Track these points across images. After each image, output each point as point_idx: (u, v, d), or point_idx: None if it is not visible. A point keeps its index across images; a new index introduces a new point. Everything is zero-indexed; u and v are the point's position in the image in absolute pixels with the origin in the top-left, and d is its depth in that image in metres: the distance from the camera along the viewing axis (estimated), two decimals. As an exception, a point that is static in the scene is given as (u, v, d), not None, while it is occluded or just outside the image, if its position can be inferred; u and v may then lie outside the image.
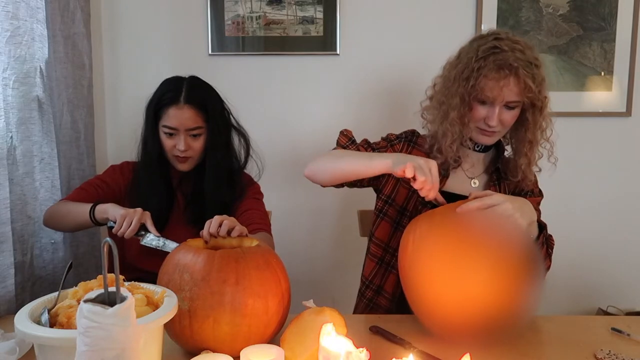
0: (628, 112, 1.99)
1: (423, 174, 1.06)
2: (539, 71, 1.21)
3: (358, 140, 1.41)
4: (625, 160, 2.03)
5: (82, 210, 1.33)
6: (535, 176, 1.37)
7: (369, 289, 1.40)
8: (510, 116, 1.24)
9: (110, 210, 1.28)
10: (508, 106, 1.23)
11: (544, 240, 1.20)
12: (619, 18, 1.93)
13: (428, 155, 1.34)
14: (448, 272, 0.97)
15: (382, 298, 1.38)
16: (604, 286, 2.08)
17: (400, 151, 1.38)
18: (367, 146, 1.40)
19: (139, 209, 1.27)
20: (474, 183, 1.35)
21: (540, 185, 1.41)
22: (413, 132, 1.42)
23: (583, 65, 1.96)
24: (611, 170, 2.04)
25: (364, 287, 1.42)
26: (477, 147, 1.34)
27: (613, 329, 1.10)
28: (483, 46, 1.21)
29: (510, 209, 1.02)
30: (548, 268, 1.25)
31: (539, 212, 1.35)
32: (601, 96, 1.98)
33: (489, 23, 1.93)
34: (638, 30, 1.94)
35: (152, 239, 1.29)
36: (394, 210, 1.37)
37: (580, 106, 1.98)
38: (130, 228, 1.24)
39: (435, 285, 0.99)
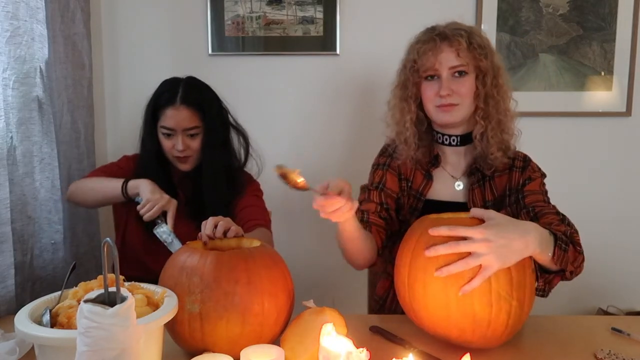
0: (628, 112, 1.98)
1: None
2: (479, 38, 1.22)
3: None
4: (625, 160, 2.03)
5: (112, 184, 1.38)
6: (529, 159, 1.32)
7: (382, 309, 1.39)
8: (462, 84, 1.22)
9: (141, 187, 1.33)
10: (456, 73, 1.22)
11: (566, 247, 1.04)
12: (619, 18, 1.93)
13: (392, 158, 1.34)
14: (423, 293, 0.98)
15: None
16: (604, 286, 2.08)
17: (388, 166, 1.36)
18: (382, 168, 1.36)
19: (167, 197, 1.31)
20: (458, 185, 1.30)
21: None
22: (385, 149, 1.40)
23: (583, 65, 1.96)
24: (611, 170, 2.04)
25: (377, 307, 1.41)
26: (453, 140, 1.28)
27: (613, 329, 1.10)
28: (420, 34, 1.27)
29: (492, 261, 0.91)
30: (582, 262, 1.11)
31: (545, 191, 1.29)
32: (601, 96, 1.98)
33: (489, 23, 1.93)
34: (638, 30, 1.93)
35: (163, 232, 1.31)
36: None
37: (580, 106, 1.98)
38: (150, 213, 1.28)
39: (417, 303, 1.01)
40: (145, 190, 1.31)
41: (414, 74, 1.25)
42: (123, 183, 1.36)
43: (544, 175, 1.32)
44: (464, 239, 0.94)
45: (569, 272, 1.07)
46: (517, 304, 0.95)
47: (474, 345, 0.98)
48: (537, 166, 1.33)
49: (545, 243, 1.00)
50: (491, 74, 1.22)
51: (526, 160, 1.32)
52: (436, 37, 1.21)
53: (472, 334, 0.96)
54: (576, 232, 1.12)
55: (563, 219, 1.16)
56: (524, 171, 1.29)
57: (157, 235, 1.30)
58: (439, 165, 1.31)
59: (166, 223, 1.30)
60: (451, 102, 1.22)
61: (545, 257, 1.00)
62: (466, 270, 0.92)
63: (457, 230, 0.95)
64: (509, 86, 1.26)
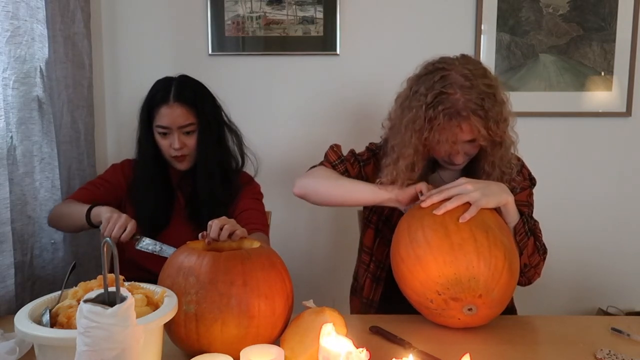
0: (628, 112, 1.98)
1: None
2: (492, 104, 1.14)
3: (345, 152, 1.41)
4: (625, 160, 2.03)
5: (80, 212, 1.34)
6: (521, 164, 1.34)
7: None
8: (474, 147, 1.22)
9: (102, 214, 1.29)
10: (468, 142, 1.20)
11: (527, 230, 1.18)
12: (619, 18, 1.93)
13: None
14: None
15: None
16: (604, 286, 2.08)
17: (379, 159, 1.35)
18: (354, 160, 1.38)
19: (124, 215, 1.26)
20: None
21: (540, 186, 1.38)
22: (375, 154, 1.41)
23: (583, 65, 1.96)
24: (611, 170, 2.04)
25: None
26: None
27: (613, 329, 1.10)
28: (431, 90, 1.16)
29: (478, 196, 1.09)
30: (543, 259, 1.23)
31: (530, 203, 1.32)
32: (601, 96, 1.98)
33: (489, 23, 1.93)
34: (638, 30, 1.93)
35: (148, 244, 1.29)
36: (377, 217, 1.38)
37: (580, 106, 1.98)
38: (115, 230, 1.23)
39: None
40: (104, 215, 1.28)
41: (427, 143, 1.21)
42: (86, 213, 1.33)
43: (533, 184, 1.34)
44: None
45: (522, 264, 1.18)
46: (509, 249, 1.07)
47: (481, 284, 1.01)
48: (529, 173, 1.35)
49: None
50: (499, 141, 1.19)
51: (519, 165, 1.33)
52: (457, 118, 1.14)
53: (478, 263, 1.02)
54: (540, 236, 1.25)
55: (534, 223, 1.26)
56: (516, 178, 1.30)
57: (144, 250, 1.29)
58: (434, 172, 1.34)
59: (145, 237, 1.29)
60: (462, 161, 1.24)
61: (513, 214, 1.16)
62: (459, 206, 1.08)
63: (444, 190, 1.12)
64: (511, 127, 1.22)
